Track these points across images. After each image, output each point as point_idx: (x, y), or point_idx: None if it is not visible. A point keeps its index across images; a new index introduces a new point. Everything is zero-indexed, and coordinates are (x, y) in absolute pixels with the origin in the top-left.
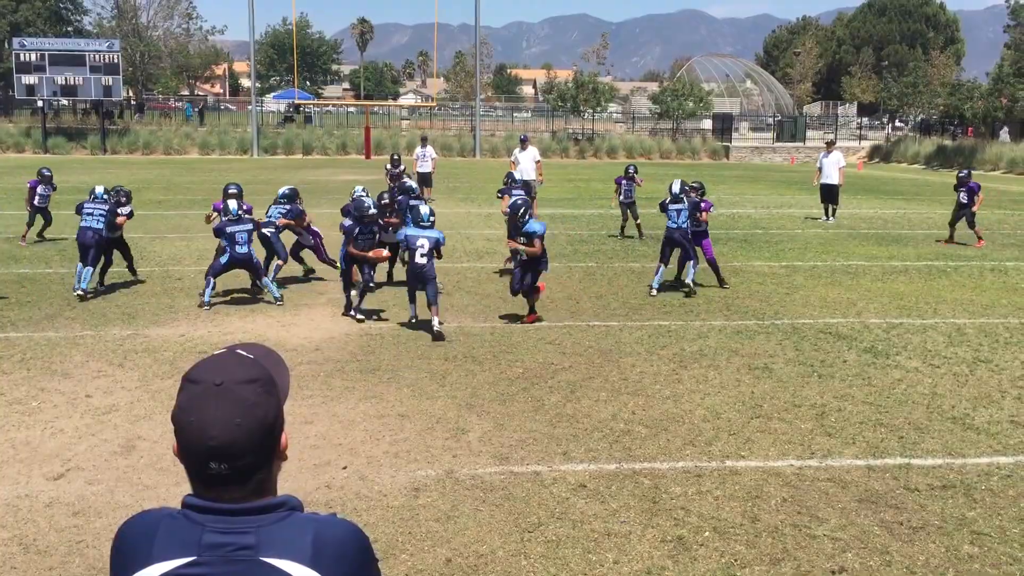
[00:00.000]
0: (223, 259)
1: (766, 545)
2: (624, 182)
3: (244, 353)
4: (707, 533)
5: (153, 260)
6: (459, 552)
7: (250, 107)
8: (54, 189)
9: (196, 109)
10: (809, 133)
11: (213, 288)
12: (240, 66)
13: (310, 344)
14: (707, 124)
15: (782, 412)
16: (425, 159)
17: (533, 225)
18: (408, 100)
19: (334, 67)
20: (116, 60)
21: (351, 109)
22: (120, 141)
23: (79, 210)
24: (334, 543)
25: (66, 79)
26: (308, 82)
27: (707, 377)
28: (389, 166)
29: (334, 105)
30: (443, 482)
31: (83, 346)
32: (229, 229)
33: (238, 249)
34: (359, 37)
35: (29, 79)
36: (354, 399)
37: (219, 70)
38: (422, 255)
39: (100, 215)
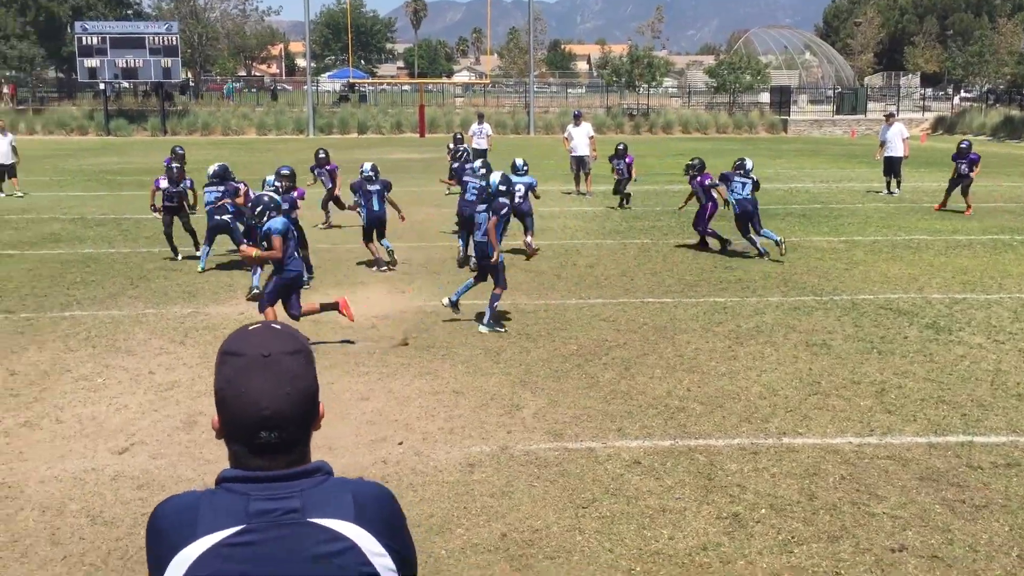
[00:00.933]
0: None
1: (824, 523)
2: (615, 160)
3: (277, 327)
4: (763, 510)
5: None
6: (514, 527)
7: (305, 87)
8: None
9: (265, 89)
10: (870, 105)
11: (259, 273)
12: (295, 46)
13: (366, 322)
14: (765, 97)
15: (840, 389)
16: (481, 136)
17: (274, 223)
18: (462, 78)
19: (388, 46)
20: (175, 42)
21: (405, 88)
22: (180, 122)
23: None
24: (372, 501)
25: (127, 62)
26: (363, 61)
27: (763, 354)
28: (452, 144)
29: (388, 84)
30: (498, 458)
31: (146, 324)
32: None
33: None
34: (413, 15)
35: (91, 62)
36: (409, 376)
37: (275, 50)
38: (520, 196)
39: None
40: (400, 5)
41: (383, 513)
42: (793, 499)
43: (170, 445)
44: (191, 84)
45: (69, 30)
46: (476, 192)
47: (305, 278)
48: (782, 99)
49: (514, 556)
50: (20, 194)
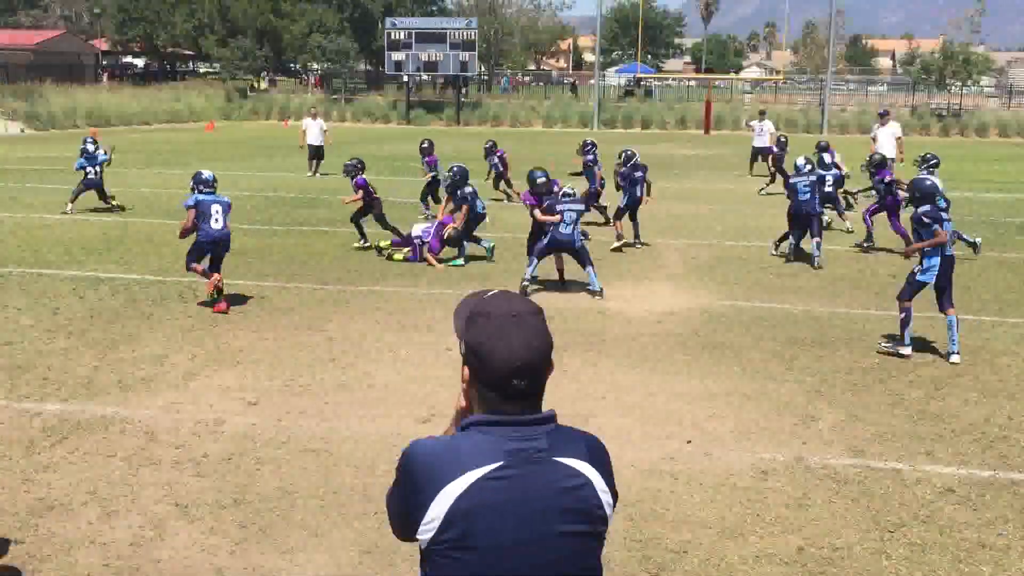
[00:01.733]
0: (544, 241)
1: None
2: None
3: (509, 292)
4: None
5: (502, 226)
6: (811, 542)
7: (592, 81)
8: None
9: (554, 83)
10: None
11: (534, 269)
12: (584, 40)
13: (651, 317)
14: None
15: None
16: (762, 133)
17: (186, 200)
18: (751, 73)
19: (676, 40)
20: (473, 37)
21: (691, 83)
22: (472, 113)
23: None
24: (597, 446)
25: (428, 56)
26: (649, 56)
27: None
28: (776, 149)
29: (674, 78)
30: (792, 468)
31: (443, 303)
32: (559, 206)
33: (562, 229)
34: (703, 9)
35: (397, 56)
36: (697, 375)
37: (564, 45)
38: (829, 186)
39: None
40: None
41: (604, 458)
42: None
43: None
44: (484, 77)
45: (380, 26)
46: (808, 189)
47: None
48: None
49: (813, 572)
50: (318, 175)
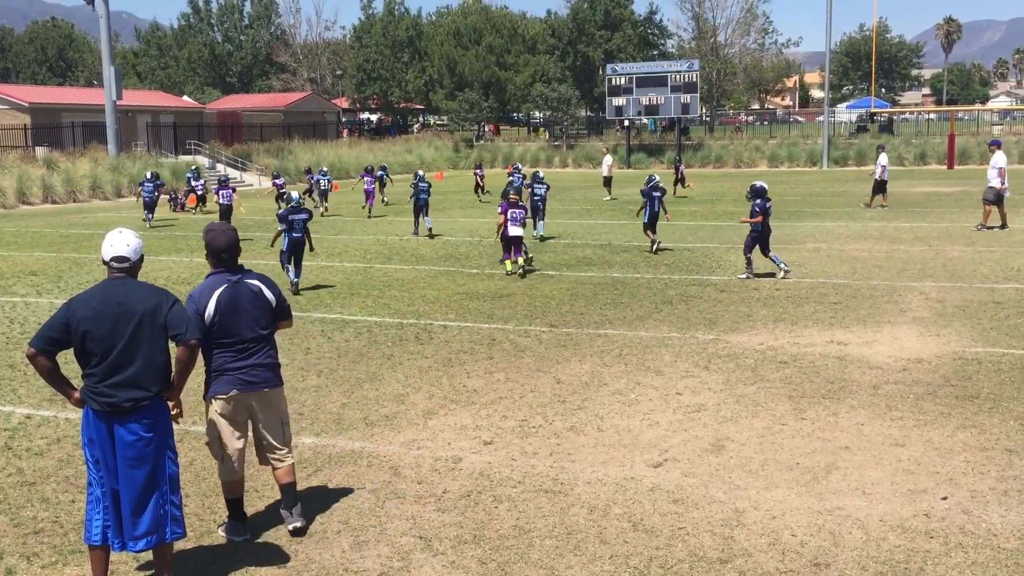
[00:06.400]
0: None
1: None
2: None
3: (224, 222)
4: None
5: (729, 269)
6: None
7: (820, 118)
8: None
9: (779, 122)
10: None
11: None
12: (811, 77)
13: (896, 363)
14: None
15: None
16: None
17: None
18: (1000, 103)
19: (913, 72)
20: (694, 79)
21: (931, 116)
22: (694, 155)
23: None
24: (267, 277)
25: (649, 99)
26: (883, 89)
27: None
28: None
29: (911, 112)
30: None
31: (671, 347)
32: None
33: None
34: (944, 38)
35: (618, 101)
36: (950, 427)
37: (789, 82)
38: None
39: None
40: (929, 28)
41: (271, 283)
42: None
43: (700, 465)
44: (705, 119)
45: (601, 72)
46: None
47: None
48: None
49: None
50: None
